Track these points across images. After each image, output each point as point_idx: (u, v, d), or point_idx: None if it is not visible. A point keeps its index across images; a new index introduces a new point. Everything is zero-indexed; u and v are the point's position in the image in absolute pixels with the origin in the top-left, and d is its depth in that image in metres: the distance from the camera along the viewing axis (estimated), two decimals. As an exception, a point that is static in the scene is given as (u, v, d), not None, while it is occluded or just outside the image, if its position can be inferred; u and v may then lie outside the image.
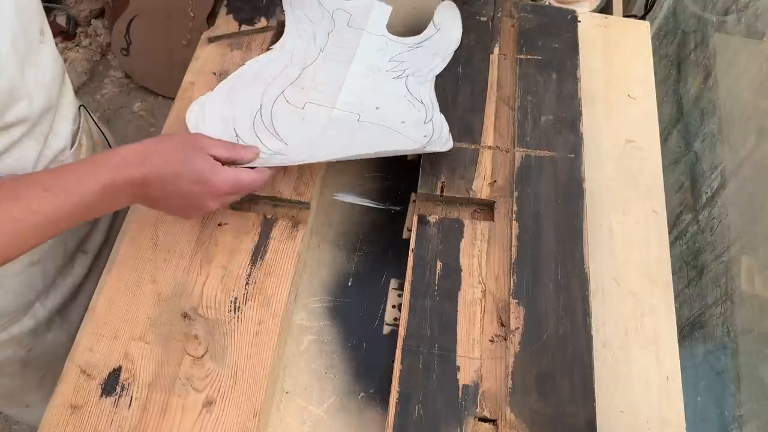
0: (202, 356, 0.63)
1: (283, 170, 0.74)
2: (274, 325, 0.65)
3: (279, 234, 0.71)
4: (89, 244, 0.84)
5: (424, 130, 0.75)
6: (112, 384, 0.61)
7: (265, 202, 0.74)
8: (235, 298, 0.66)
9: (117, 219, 0.86)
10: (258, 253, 0.70)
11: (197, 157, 0.61)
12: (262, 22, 0.88)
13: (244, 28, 0.87)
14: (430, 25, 0.89)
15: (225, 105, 0.74)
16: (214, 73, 0.84)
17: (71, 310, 0.83)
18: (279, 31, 0.88)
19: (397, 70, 0.82)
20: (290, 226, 0.71)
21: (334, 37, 0.84)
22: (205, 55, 0.86)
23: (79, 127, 0.76)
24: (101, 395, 0.61)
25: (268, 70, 0.79)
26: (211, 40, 0.87)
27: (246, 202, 0.73)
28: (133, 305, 0.66)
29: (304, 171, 0.75)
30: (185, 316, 0.65)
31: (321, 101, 0.77)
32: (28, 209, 0.54)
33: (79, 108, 0.77)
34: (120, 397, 0.61)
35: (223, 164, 0.63)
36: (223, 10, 0.90)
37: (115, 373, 0.62)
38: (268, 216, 0.72)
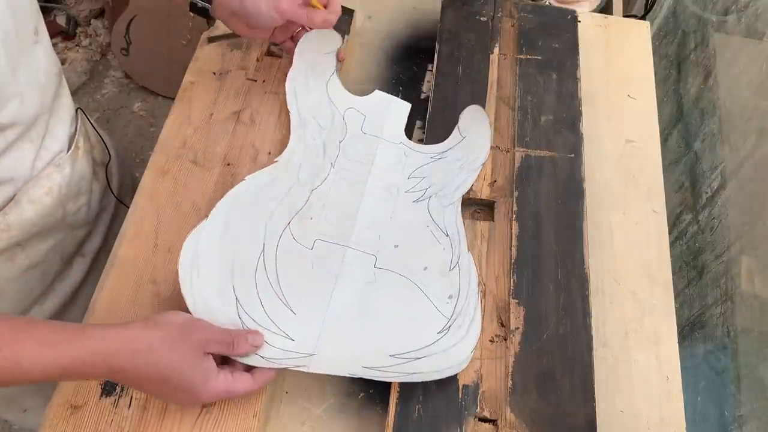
0: (202, 356, 0.63)
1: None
2: (274, 326, 0.65)
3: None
4: (87, 247, 0.83)
5: (449, 286, 0.66)
6: (112, 384, 0.61)
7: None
8: (235, 299, 0.66)
9: (115, 222, 0.86)
10: (258, 253, 0.69)
11: (189, 361, 0.54)
12: (262, 22, 0.88)
13: (244, 28, 0.87)
14: (455, 132, 0.78)
15: (223, 242, 0.65)
16: (214, 73, 0.84)
17: (70, 313, 0.82)
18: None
19: (418, 190, 0.73)
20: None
21: (347, 148, 0.74)
22: (205, 55, 0.86)
23: (76, 130, 0.75)
24: (101, 395, 0.61)
25: (270, 191, 0.69)
26: (211, 40, 0.87)
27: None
28: (133, 305, 0.66)
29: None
30: (185, 316, 0.65)
31: (332, 237, 0.68)
32: None
33: (77, 111, 0.77)
34: (120, 397, 0.61)
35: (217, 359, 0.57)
36: (223, 10, 0.90)
37: (115, 373, 0.62)
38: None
